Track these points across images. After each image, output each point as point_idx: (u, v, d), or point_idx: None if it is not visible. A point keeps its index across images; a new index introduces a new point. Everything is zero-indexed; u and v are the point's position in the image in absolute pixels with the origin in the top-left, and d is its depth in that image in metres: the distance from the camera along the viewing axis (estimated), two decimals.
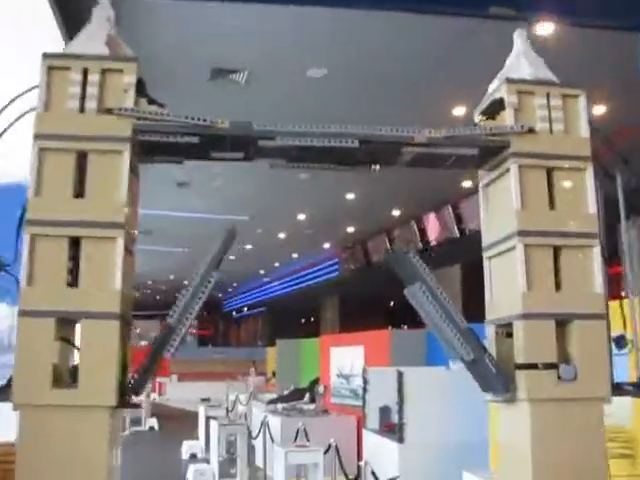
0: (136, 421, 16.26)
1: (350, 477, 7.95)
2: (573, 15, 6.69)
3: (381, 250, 18.07)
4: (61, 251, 3.17)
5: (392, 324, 12.30)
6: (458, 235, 14.68)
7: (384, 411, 8.95)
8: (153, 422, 16.69)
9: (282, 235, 18.85)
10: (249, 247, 20.57)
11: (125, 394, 3.18)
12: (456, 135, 3.54)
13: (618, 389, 3.55)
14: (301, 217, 16.54)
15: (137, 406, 3.45)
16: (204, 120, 3.33)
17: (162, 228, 17.49)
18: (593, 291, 3.55)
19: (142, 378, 3.25)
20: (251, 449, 11.35)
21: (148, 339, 39.00)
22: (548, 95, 3.71)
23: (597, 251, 3.58)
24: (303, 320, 31.65)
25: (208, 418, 12.61)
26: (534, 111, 3.70)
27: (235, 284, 32.75)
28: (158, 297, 36.25)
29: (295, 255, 22.41)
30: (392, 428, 8.65)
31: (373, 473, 7.65)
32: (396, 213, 15.91)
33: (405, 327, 14.53)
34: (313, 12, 7.49)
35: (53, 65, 3.35)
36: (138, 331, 39.47)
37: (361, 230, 17.91)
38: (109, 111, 3.31)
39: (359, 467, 8.45)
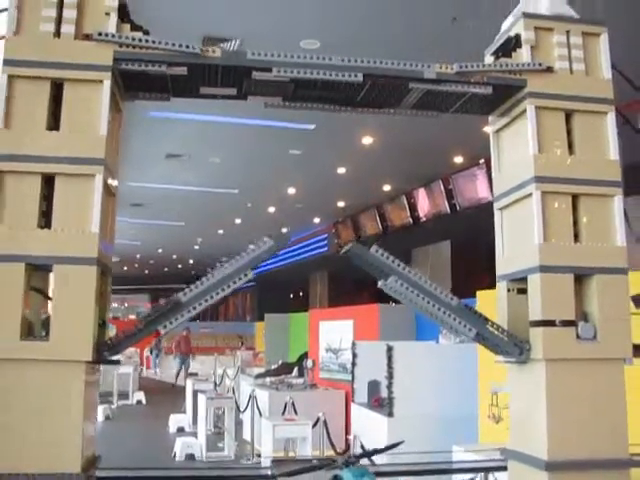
0: (124, 395, 16.07)
1: (338, 451, 7.82)
2: None
3: (371, 225, 17.79)
4: (33, 189, 2.87)
5: (380, 300, 12.09)
6: (449, 211, 14.47)
7: (373, 385, 8.79)
8: (141, 396, 16.48)
9: (272, 209, 18.57)
10: (238, 221, 20.26)
11: (102, 350, 2.92)
12: (469, 71, 3.28)
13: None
14: (291, 191, 16.25)
15: (116, 362, 3.48)
16: (193, 48, 3.06)
17: (151, 201, 17.12)
18: (614, 244, 3.30)
19: (126, 339, 2.99)
20: (239, 423, 11.17)
21: (136, 313, 38.83)
22: (568, 33, 3.44)
23: (619, 200, 3.32)
24: (292, 295, 31.46)
25: (196, 392, 12.42)
26: (552, 49, 3.43)
27: (224, 259, 32.52)
28: (147, 271, 35.93)
29: (285, 230, 22.10)
30: (381, 402, 8.50)
31: (362, 447, 7.48)
32: (387, 188, 15.67)
33: (393, 304, 14.31)
34: None
35: None
36: (126, 305, 39.18)
37: (351, 205, 17.66)
38: (88, 37, 2.99)
39: (347, 441, 8.27)
